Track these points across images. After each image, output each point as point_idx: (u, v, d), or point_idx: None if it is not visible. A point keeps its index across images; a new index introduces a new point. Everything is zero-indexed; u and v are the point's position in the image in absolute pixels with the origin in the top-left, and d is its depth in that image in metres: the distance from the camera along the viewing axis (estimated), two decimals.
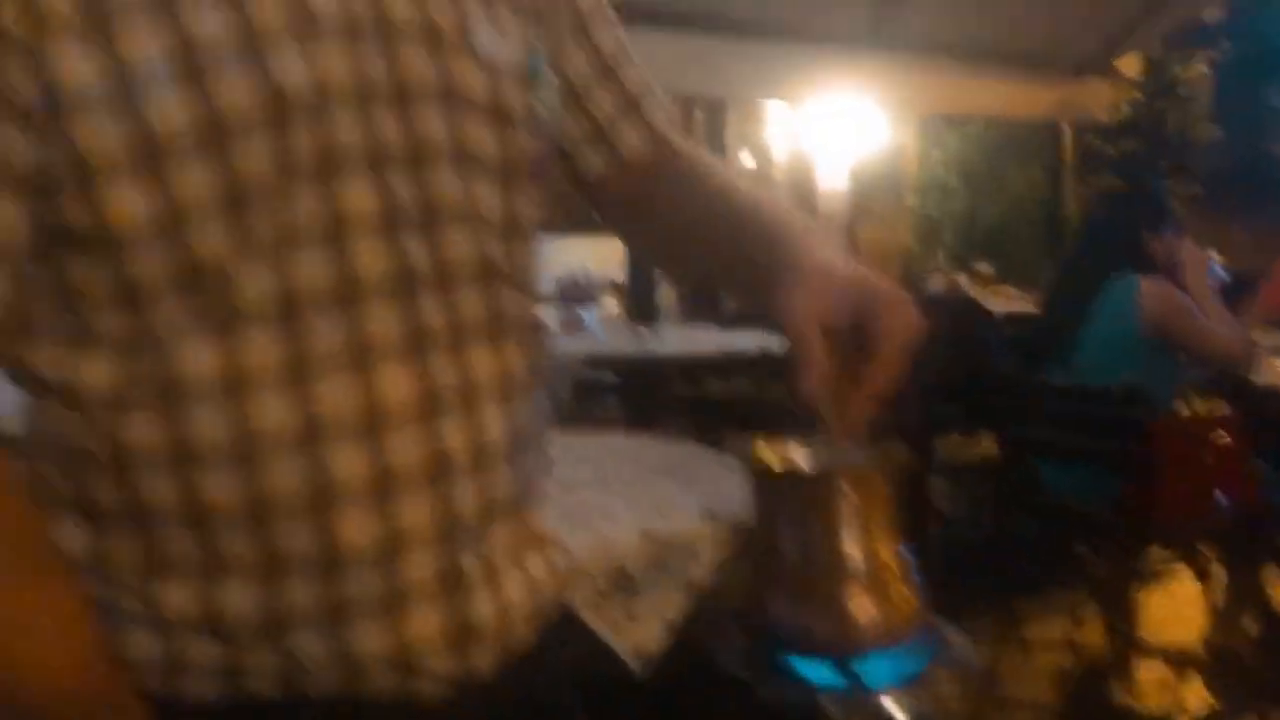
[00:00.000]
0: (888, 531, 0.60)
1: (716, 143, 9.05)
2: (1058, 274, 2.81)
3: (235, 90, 0.55)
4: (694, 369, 3.39)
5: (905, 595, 0.59)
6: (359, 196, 0.58)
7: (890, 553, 0.60)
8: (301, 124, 0.56)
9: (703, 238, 0.77)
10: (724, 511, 1.17)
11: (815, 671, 0.57)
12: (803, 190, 9.81)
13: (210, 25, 0.54)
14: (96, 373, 0.57)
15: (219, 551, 0.57)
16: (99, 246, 0.55)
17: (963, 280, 5.11)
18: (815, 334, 0.61)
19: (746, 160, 11.26)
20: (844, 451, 0.61)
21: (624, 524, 1.14)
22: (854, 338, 0.62)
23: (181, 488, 0.57)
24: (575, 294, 3.50)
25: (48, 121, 0.53)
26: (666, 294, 5.18)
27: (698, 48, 3.98)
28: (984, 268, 5.60)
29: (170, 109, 0.53)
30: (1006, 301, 4.40)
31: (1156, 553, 2.51)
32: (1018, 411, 2.61)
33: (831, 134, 7.71)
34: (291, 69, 0.56)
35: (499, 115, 0.64)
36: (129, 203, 0.54)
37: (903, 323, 0.61)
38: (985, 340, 3.17)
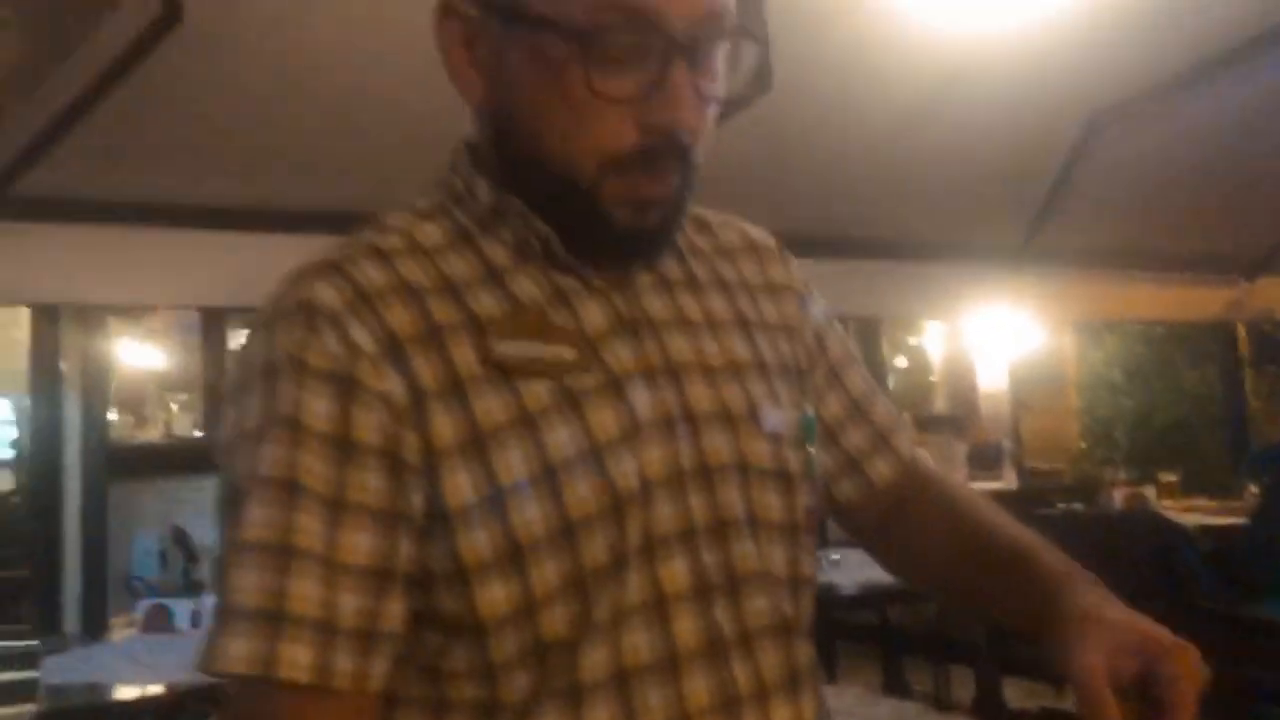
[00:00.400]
0: None
1: (874, 355, 9.13)
2: (1264, 493, 2.66)
3: (581, 494, 0.65)
4: (875, 596, 3.34)
5: None
6: (677, 573, 0.67)
7: None
8: (632, 515, 0.66)
9: (955, 560, 0.84)
10: None
11: None
12: (962, 391, 9.74)
13: (563, 440, 0.65)
14: None
15: None
16: (464, 631, 0.65)
17: (1149, 492, 4.89)
18: (1107, 692, 0.64)
19: (901, 364, 11.29)
20: None
21: None
22: (1138, 688, 0.65)
23: None
24: None
25: (433, 532, 0.64)
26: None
27: (853, 271, 4.11)
28: (1168, 476, 5.35)
29: (532, 516, 0.64)
30: (1199, 515, 4.19)
31: None
32: (1234, 648, 2.46)
33: (989, 338, 7.72)
34: (625, 469, 0.66)
35: (783, 479, 0.73)
36: (493, 596, 0.64)
37: (1190, 671, 0.64)
38: (1185, 565, 2.99)
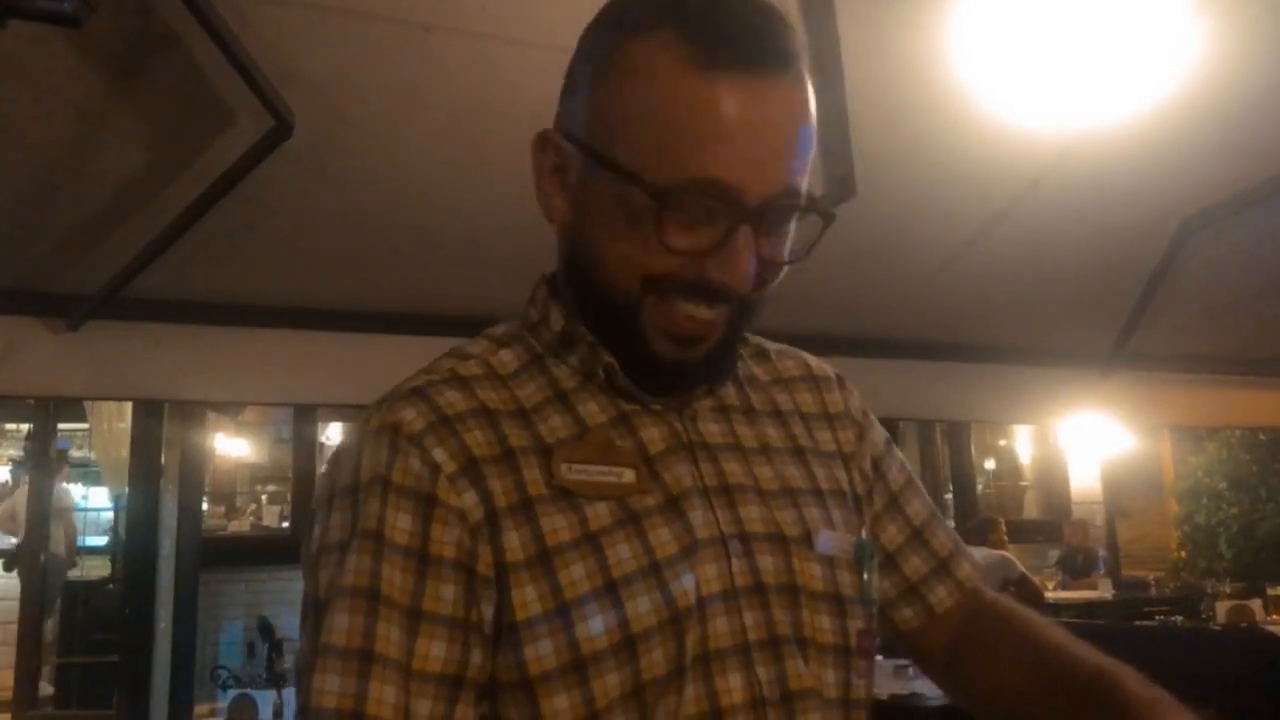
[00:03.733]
0: None
1: (962, 458, 8.96)
2: None
3: (642, 608, 0.68)
4: (962, 711, 3.23)
5: None
6: (733, 686, 0.69)
7: None
8: (690, 629, 0.68)
9: (1032, 689, 0.83)
10: None
11: None
12: (1054, 496, 9.48)
13: (624, 556, 0.69)
14: None
15: None
16: None
17: (1255, 606, 4.68)
18: None
19: (990, 466, 11.05)
20: None
21: None
22: None
23: None
24: None
25: (500, 642, 0.68)
26: None
27: (939, 374, 4.08)
28: (1276, 590, 5.11)
29: (595, 629, 0.67)
30: None
31: None
32: None
33: (1080, 443, 7.54)
34: (684, 585, 0.69)
35: (835, 601, 0.76)
36: (556, 706, 0.67)
37: None
38: None
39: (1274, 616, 4.52)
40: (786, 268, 0.75)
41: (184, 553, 5.67)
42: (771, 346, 0.90)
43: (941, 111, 2.72)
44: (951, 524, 8.76)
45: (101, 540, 7.61)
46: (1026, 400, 4.43)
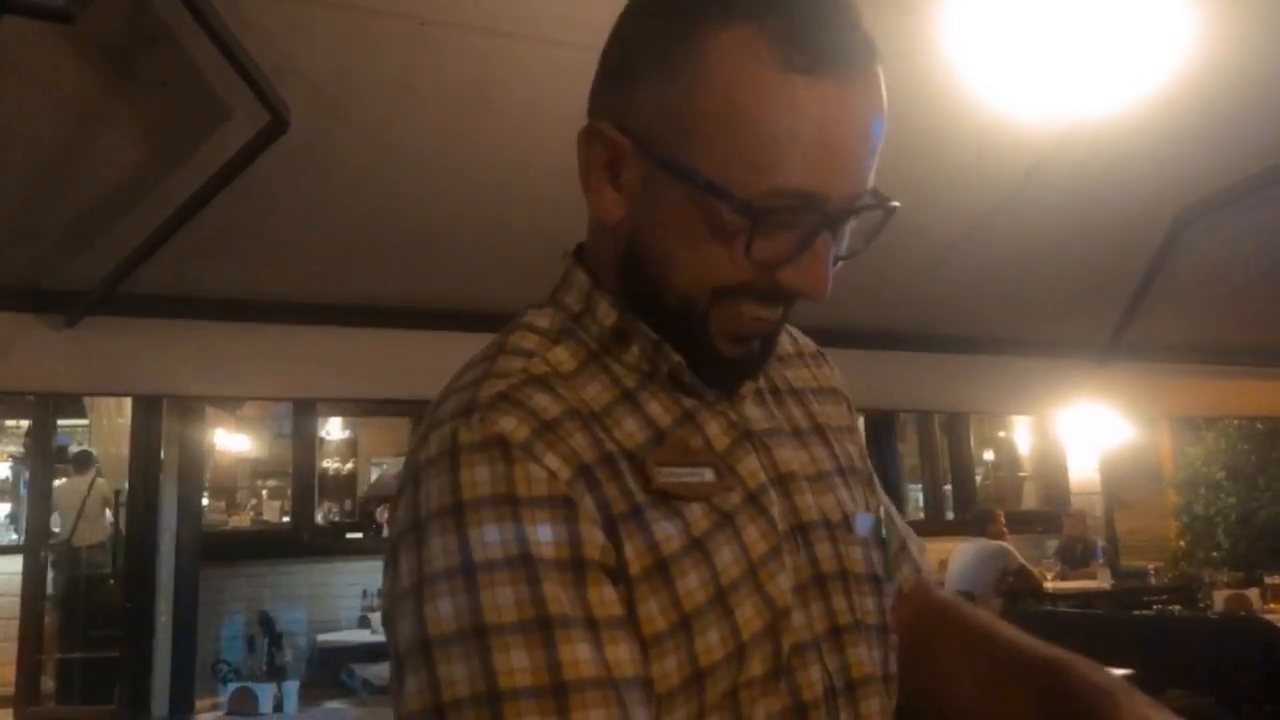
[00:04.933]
0: None
1: (961, 449, 8.98)
2: None
3: (748, 614, 0.67)
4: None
5: None
6: (813, 680, 0.69)
7: None
8: (785, 629, 0.68)
9: (985, 681, 0.83)
10: None
11: None
12: (1053, 486, 9.49)
13: (728, 562, 0.68)
14: None
15: None
16: None
17: (1252, 595, 4.70)
18: None
19: (989, 457, 11.06)
20: None
21: None
22: None
23: None
24: None
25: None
26: None
27: (938, 365, 4.09)
28: (1273, 579, 5.12)
29: (712, 641, 0.66)
30: None
31: None
32: None
33: (1079, 433, 7.55)
34: (780, 585, 0.69)
35: (874, 582, 0.76)
36: (675, 715, 0.65)
37: None
38: None
39: (1271, 605, 4.53)
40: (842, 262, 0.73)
41: (184, 547, 5.68)
42: None
43: (937, 104, 2.72)
44: (950, 515, 8.72)
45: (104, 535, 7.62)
46: (1024, 391, 4.44)
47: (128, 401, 6.18)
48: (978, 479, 9.92)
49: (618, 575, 0.64)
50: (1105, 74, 2.43)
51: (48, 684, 6.12)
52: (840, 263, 0.72)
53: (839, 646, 0.71)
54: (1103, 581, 6.61)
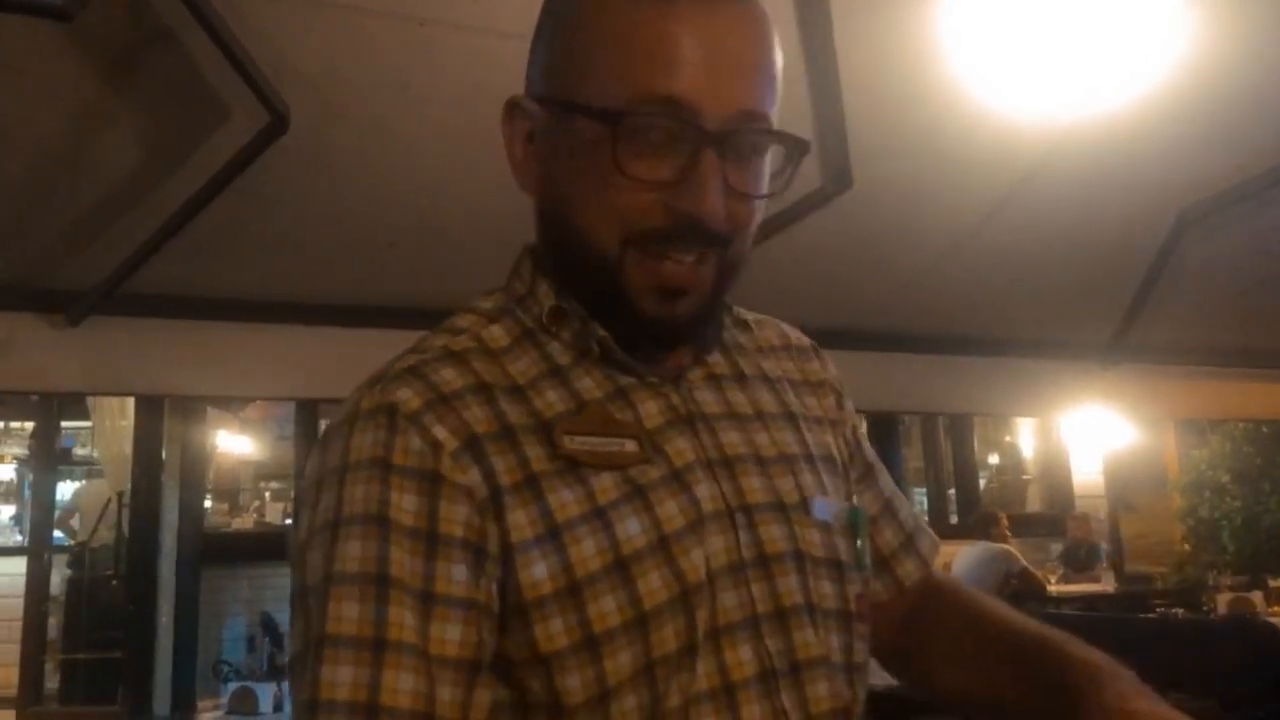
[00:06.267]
0: None
1: (964, 452, 8.96)
2: None
3: (653, 585, 0.67)
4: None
5: None
6: (743, 660, 0.69)
7: None
8: (700, 604, 0.68)
9: (980, 662, 0.83)
10: None
11: None
12: (1057, 490, 9.47)
13: (634, 532, 0.68)
14: None
15: None
16: (537, 716, 0.67)
17: (1256, 599, 4.68)
18: None
19: (993, 461, 11.04)
20: None
21: None
22: None
23: None
24: None
25: (510, 623, 0.67)
26: None
27: (940, 366, 4.08)
28: (1277, 582, 5.10)
29: (607, 607, 0.66)
30: None
31: None
32: None
33: (1083, 434, 7.53)
34: (693, 560, 0.68)
35: (835, 567, 0.75)
36: (568, 684, 0.66)
37: None
38: None
39: (1275, 608, 4.51)
40: (762, 205, 0.74)
41: (185, 549, 5.69)
42: (750, 316, 0.89)
43: (937, 103, 2.71)
44: (954, 519, 8.70)
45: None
46: (1027, 393, 4.43)
47: (130, 404, 6.19)
48: (982, 483, 9.90)
49: (499, 548, 0.66)
50: (1105, 72, 2.42)
51: (51, 685, 6.14)
52: (759, 204, 0.73)
53: (784, 628, 0.71)
54: (1106, 585, 6.59)
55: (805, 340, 0.90)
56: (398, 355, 0.74)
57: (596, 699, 0.66)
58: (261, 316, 2.97)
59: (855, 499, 0.83)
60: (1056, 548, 7.83)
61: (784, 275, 3.17)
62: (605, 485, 0.69)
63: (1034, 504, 9.86)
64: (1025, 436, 10.36)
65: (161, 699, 5.40)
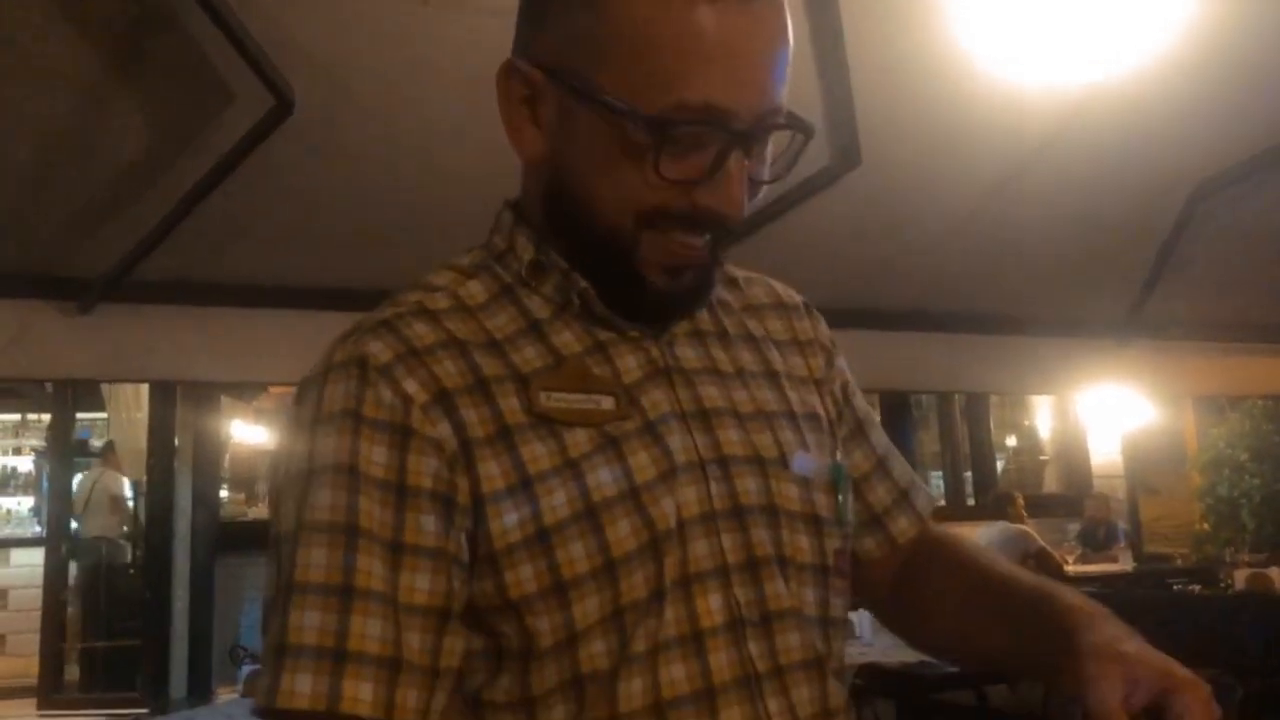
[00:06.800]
0: None
1: (980, 432, 8.93)
2: None
3: (622, 532, 0.68)
4: (974, 677, 3.22)
5: None
6: (712, 608, 0.69)
7: None
8: (669, 552, 0.69)
9: (972, 611, 0.84)
10: None
11: None
12: (1074, 471, 9.43)
13: (604, 481, 0.68)
14: None
15: None
16: (507, 663, 0.68)
17: (1274, 574, 4.66)
18: (1117, 706, 0.65)
19: (1011, 443, 11.00)
20: None
21: None
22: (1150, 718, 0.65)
23: None
24: None
25: (481, 571, 0.68)
26: None
27: (954, 345, 4.06)
28: None
29: (576, 554, 0.67)
30: None
31: None
32: None
33: (1100, 413, 7.49)
34: (663, 508, 0.69)
35: (812, 522, 0.76)
36: (538, 629, 0.67)
37: (1202, 705, 0.65)
38: None
39: None
40: (766, 188, 0.75)
41: (200, 537, 5.73)
42: (740, 273, 0.89)
43: (946, 77, 2.69)
44: (971, 501, 8.68)
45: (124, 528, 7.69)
46: (1042, 371, 4.40)
47: (145, 395, 6.22)
48: (1000, 465, 9.86)
49: (469, 499, 0.67)
50: (1115, 40, 2.39)
51: (71, 674, 6.19)
52: (764, 187, 0.74)
53: (755, 579, 0.71)
54: (1124, 564, 6.56)
55: (796, 298, 0.90)
56: (374, 311, 0.75)
57: (565, 643, 0.66)
58: (273, 302, 2.97)
59: (844, 457, 0.83)
60: (1074, 528, 7.81)
61: (792, 255, 3.15)
62: (578, 439, 0.69)
63: (1051, 485, 9.82)
64: (1043, 417, 10.32)
65: (178, 685, 5.45)
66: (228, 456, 7.22)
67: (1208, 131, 3.17)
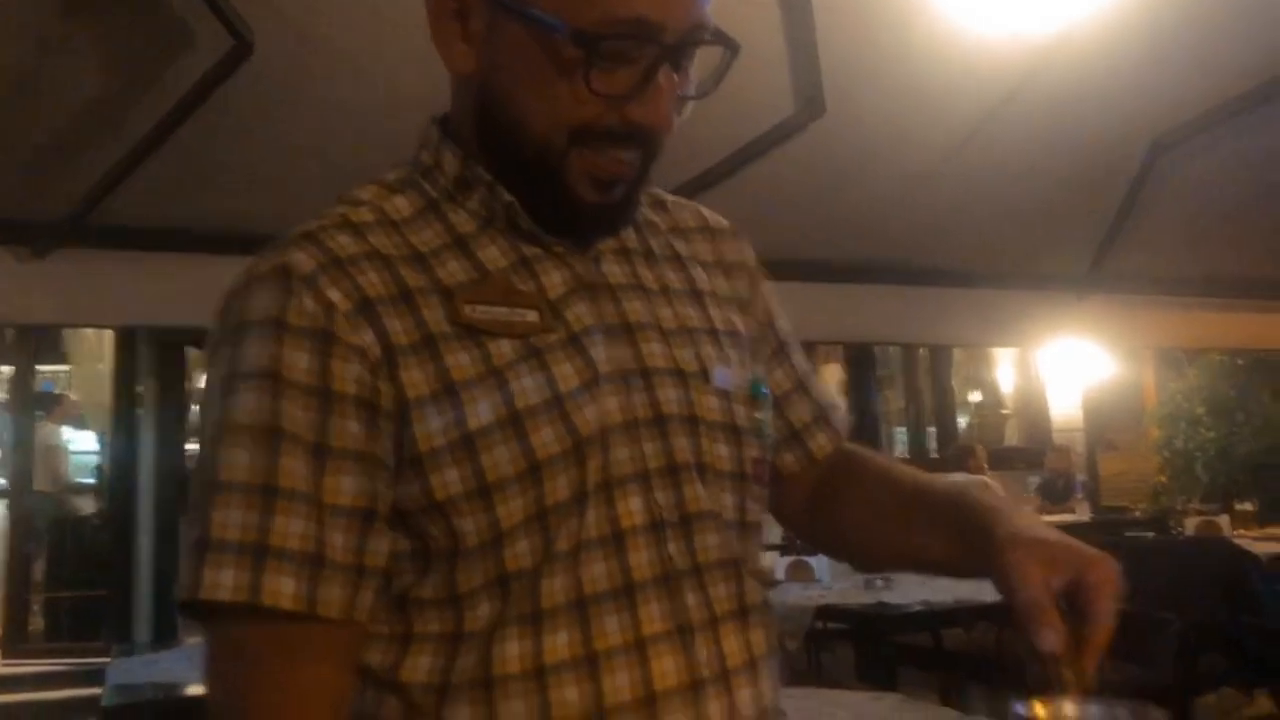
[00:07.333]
0: None
1: (943, 384, 9.02)
2: None
3: (546, 437, 0.69)
4: (930, 620, 3.28)
5: None
6: (633, 510, 0.71)
7: None
8: (591, 456, 0.70)
9: (890, 516, 0.87)
10: None
11: None
12: (1035, 424, 9.56)
13: (528, 389, 0.70)
14: (422, 666, 0.69)
15: None
16: (434, 563, 0.69)
17: (1223, 521, 4.77)
18: (1051, 601, 0.68)
19: (975, 398, 11.12)
20: (1110, 711, 0.66)
21: None
22: (1065, 599, 0.69)
23: None
24: (803, 545, 3.50)
25: (405, 475, 0.69)
26: None
27: (915, 298, 4.10)
28: (1245, 506, 5.19)
29: (500, 458, 0.68)
30: (1273, 544, 4.08)
31: None
32: None
33: (1061, 368, 7.57)
34: (586, 415, 0.71)
35: (731, 431, 0.77)
36: (463, 529, 0.68)
37: (1109, 580, 0.68)
38: (1252, 588, 2.93)
39: (1239, 531, 4.59)
40: (691, 104, 0.75)
41: (163, 485, 5.70)
42: (667, 196, 0.89)
43: (910, 28, 2.70)
44: (934, 456, 8.78)
45: (91, 480, 7.65)
46: (1003, 324, 4.45)
47: (108, 346, 6.15)
48: (965, 420, 9.94)
49: (394, 404, 0.68)
50: None
51: (37, 624, 6.17)
52: (690, 102, 0.75)
53: (675, 483, 0.73)
54: (1081, 515, 6.68)
55: (724, 223, 0.91)
56: (300, 225, 0.75)
57: (490, 543, 0.68)
58: (236, 249, 2.94)
59: (766, 375, 0.85)
60: (1034, 481, 7.92)
61: (756, 205, 3.16)
62: (502, 349, 0.71)
63: (1013, 439, 9.95)
64: (1005, 373, 10.43)
65: (143, 633, 5.45)
66: (192, 408, 7.18)
67: (1168, 83, 3.20)
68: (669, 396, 0.75)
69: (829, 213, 3.52)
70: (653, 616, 0.70)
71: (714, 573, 0.74)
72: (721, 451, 0.76)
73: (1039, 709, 0.66)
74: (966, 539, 0.76)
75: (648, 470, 0.73)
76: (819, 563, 3.54)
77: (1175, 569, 3.05)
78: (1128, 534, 5.03)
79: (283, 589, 0.65)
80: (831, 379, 8.63)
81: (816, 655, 3.89)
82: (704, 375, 0.77)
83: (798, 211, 3.42)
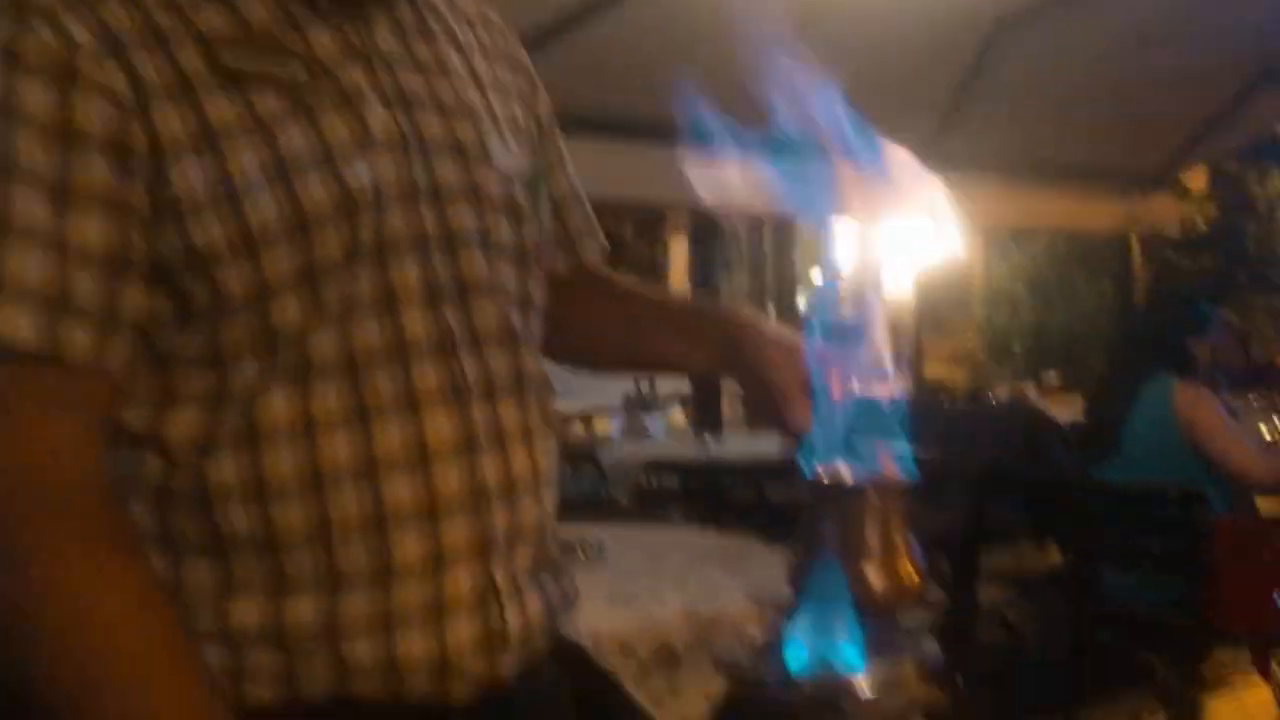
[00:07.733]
0: (901, 527, 0.71)
1: (785, 257, 9.24)
2: (1103, 374, 2.86)
3: (314, 191, 0.67)
4: (756, 474, 3.42)
5: (909, 572, 0.70)
6: (408, 274, 0.70)
7: (902, 541, 0.70)
8: (364, 216, 0.68)
9: (637, 327, 0.95)
10: (769, 595, 1.23)
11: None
12: (867, 300, 9.89)
13: (296, 141, 0.67)
14: (184, 423, 0.66)
15: (286, 571, 0.67)
16: (196, 318, 0.66)
17: (1030, 389, 5.09)
18: (796, 378, 0.77)
19: (815, 277, 11.44)
20: (874, 471, 0.72)
21: (671, 605, 1.21)
22: None
23: (256, 518, 0.66)
24: (639, 403, 3.59)
25: (163, 224, 0.65)
26: (730, 405, 5.26)
27: (749, 166, 4.13)
28: (1051, 377, 5.56)
29: (266, 210, 0.65)
30: (1074, 410, 4.38)
31: (1223, 657, 2.47)
32: (1078, 517, 2.62)
33: (897, 247, 7.81)
34: (358, 172, 0.68)
35: (512, 209, 0.77)
36: (226, 281, 0.65)
37: (795, 361, 0.80)
38: (1048, 446, 3.17)
39: (1046, 399, 4.92)
40: None
41: None
42: None
43: None
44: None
45: None
46: (841, 197, 4.54)
47: None
48: (799, 298, 10.25)
49: (146, 147, 0.64)
50: None
51: None
52: None
53: (452, 251, 0.72)
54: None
55: (499, 20, 0.88)
56: None
57: (256, 299, 0.66)
58: None
59: (542, 162, 0.86)
60: (858, 354, 8.24)
61: (607, 62, 3.11)
62: (268, 101, 0.67)
63: (844, 312, 10.29)
64: (843, 255, 10.71)
65: None
66: None
67: None
68: (447, 168, 0.73)
69: (666, 81, 3.48)
70: (426, 376, 0.69)
71: (491, 344, 0.73)
72: (502, 225, 0.76)
73: (819, 468, 0.73)
74: (710, 342, 0.85)
75: (426, 235, 0.71)
76: (655, 423, 3.64)
77: (981, 431, 3.27)
78: (946, 404, 5.33)
79: (20, 324, 0.61)
80: (679, 250, 8.70)
81: (648, 509, 4.02)
82: (484, 153, 0.76)
83: (633, 78, 3.36)
